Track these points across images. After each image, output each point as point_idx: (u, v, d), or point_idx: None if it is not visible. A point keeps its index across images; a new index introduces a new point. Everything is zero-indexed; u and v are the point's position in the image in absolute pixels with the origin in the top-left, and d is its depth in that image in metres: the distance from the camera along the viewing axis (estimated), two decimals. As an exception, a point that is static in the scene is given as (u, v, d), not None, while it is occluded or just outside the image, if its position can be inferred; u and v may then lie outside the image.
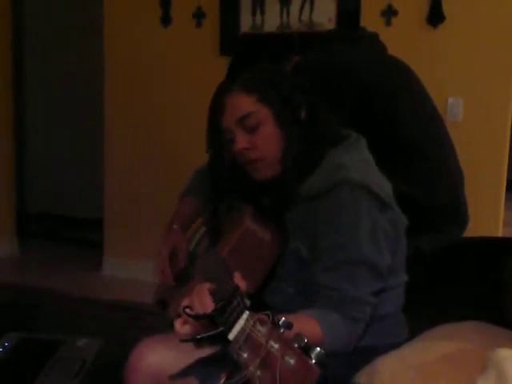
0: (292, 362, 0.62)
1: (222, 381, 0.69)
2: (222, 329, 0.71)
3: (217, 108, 1.22)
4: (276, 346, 0.64)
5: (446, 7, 2.53)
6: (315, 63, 1.54)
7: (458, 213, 1.57)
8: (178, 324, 0.90)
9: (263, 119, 1.16)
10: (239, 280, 0.89)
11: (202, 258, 1.31)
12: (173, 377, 1.12)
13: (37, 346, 2.12)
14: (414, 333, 1.24)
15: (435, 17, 2.54)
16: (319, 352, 0.64)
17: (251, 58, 1.55)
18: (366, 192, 1.09)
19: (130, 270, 3.18)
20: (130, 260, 3.24)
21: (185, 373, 1.11)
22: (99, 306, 2.74)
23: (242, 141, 1.17)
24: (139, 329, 2.37)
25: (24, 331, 2.23)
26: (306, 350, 0.64)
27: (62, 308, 2.69)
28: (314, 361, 0.63)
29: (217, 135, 1.24)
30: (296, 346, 0.64)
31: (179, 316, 1.15)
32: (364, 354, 1.11)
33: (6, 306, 2.70)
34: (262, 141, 1.16)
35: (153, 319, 2.20)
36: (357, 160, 1.17)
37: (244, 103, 1.16)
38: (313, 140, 1.17)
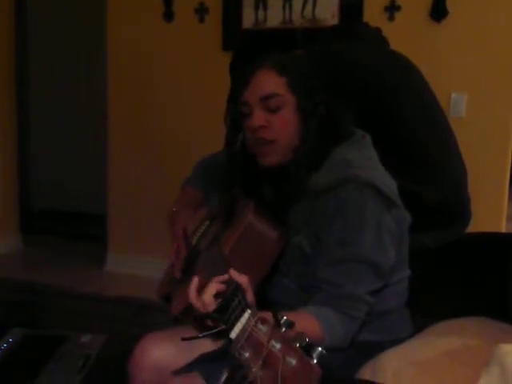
0: (294, 362, 0.62)
1: (224, 378, 0.69)
2: (223, 327, 0.71)
3: (242, 79, 1.19)
4: (278, 345, 0.64)
5: (450, 2, 2.52)
6: (315, 59, 1.53)
7: (461, 210, 1.57)
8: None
9: (286, 104, 1.15)
10: (240, 277, 0.89)
11: (204, 254, 1.31)
12: (176, 372, 1.12)
13: (41, 342, 2.13)
14: (417, 328, 1.24)
15: (438, 11, 2.53)
16: (320, 352, 0.63)
17: (252, 53, 1.55)
18: (371, 190, 1.09)
19: (133, 265, 3.19)
20: (133, 256, 3.24)
21: (188, 368, 1.11)
22: (103, 301, 2.75)
23: (259, 118, 1.16)
24: (143, 324, 2.38)
25: (28, 327, 2.24)
26: (308, 349, 0.63)
27: (65, 304, 2.70)
28: (315, 361, 0.63)
29: (236, 106, 1.22)
30: (297, 345, 0.63)
31: (181, 312, 1.16)
32: (367, 349, 1.11)
33: (11, 302, 2.71)
34: (279, 123, 1.15)
35: (156, 315, 2.21)
36: (362, 157, 1.17)
37: (273, 82, 1.15)
38: (327, 136, 1.17)
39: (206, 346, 1.10)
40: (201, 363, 1.10)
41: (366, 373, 1.06)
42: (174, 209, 1.42)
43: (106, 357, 2.04)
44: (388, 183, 1.15)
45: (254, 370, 0.64)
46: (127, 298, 2.77)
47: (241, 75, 1.21)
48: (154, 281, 1.51)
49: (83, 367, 1.95)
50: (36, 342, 2.13)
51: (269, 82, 1.16)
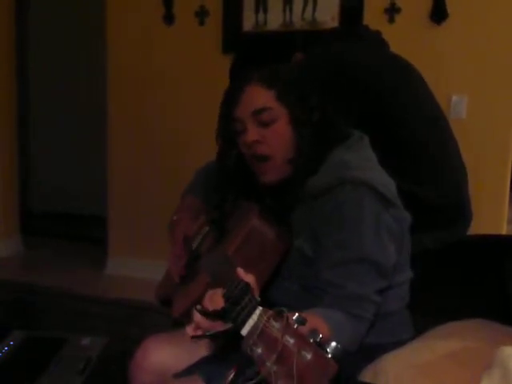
0: (309, 356, 0.62)
1: (231, 376, 0.69)
2: (232, 325, 0.71)
3: (232, 96, 1.20)
4: (292, 340, 0.63)
5: (450, 4, 2.52)
6: (316, 62, 1.53)
7: (461, 211, 1.57)
8: (189, 329, 0.89)
9: (278, 116, 1.15)
10: (247, 276, 0.89)
11: (207, 257, 1.31)
12: (177, 375, 1.13)
13: (42, 344, 2.13)
14: (418, 331, 1.24)
15: (439, 14, 2.54)
16: (335, 347, 0.63)
17: (253, 56, 1.55)
18: (368, 190, 1.09)
19: (133, 268, 3.19)
20: (133, 258, 3.24)
21: (189, 371, 1.11)
22: (103, 303, 2.75)
23: (253, 133, 1.16)
24: (143, 327, 2.38)
25: (28, 329, 2.24)
26: (322, 345, 0.63)
27: (66, 306, 2.70)
28: (330, 355, 0.62)
29: (228, 124, 1.22)
30: (311, 341, 0.63)
31: (183, 314, 1.16)
32: (369, 352, 1.11)
33: (11, 304, 2.71)
34: (273, 137, 1.15)
35: (156, 317, 2.20)
36: (360, 158, 1.17)
37: (262, 97, 1.15)
38: (322, 141, 1.17)
39: (207, 349, 1.10)
40: (202, 366, 1.11)
41: (367, 375, 1.06)
42: (175, 218, 1.42)
43: (107, 359, 2.04)
44: (386, 183, 1.14)
45: (267, 364, 0.63)
46: (127, 300, 2.76)
47: (232, 90, 1.21)
48: (154, 283, 1.51)
49: (84, 369, 1.95)
50: (37, 345, 2.13)
51: (258, 96, 1.16)
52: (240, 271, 0.89)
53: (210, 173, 1.46)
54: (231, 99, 1.19)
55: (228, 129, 1.22)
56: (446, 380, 1.01)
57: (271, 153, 1.16)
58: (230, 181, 1.27)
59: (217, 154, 1.30)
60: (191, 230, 1.38)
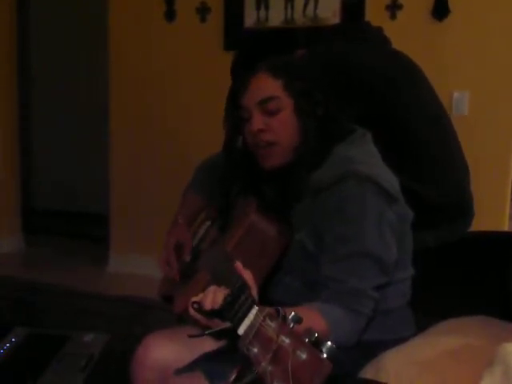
0: (304, 356, 0.62)
1: (233, 378, 0.69)
2: (230, 324, 0.71)
3: (239, 85, 1.21)
4: (287, 340, 0.64)
5: (451, 0, 2.51)
6: (320, 60, 1.53)
7: (463, 209, 1.57)
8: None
9: (284, 106, 1.16)
10: (245, 272, 0.89)
11: (207, 253, 1.31)
12: (179, 371, 1.13)
13: (43, 342, 2.14)
14: (419, 327, 1.24)
15: (440, 10, 2.53)
16: (330, 346, 0.63)
17: (254, 54, 1.54)
18: (372, 185, 1.09)
19: (135, 265, 3.19)
20: (135, 255, 3.24)
21: (191, 368, 1.11)
22: (105, 301, 2.75)
23: (258, 121, 1.17)
24: (145, 324, 2.38)
25: (30, 326, 2.25)
26: (317, 344, 0.63)
27: (68, 303, 2.70)
28: (325, 355, 0.62)
29: (235, 112, 1.23)
30: (307, 340, 0.63)
31: (185, 311, 1.16)
32: (370, 349, 1.11)
33: (13, 302, 2.71)
34: (278, 126, 1.16)
35: (159, 314, 2.21)
36: (363, 153, 1.17)
37: (269, 86, 1.17)
38: (327, 135, 1.18)
39: (209, 345, 1.10)
40: (203, 362, 1.11)
41: (368, 372, 1.06)
42: (180, 220, 1.43)
43: (109, 356, 2.04)
44: (389, 179, 1.15)
45: (263, 364, 0.63)
46: (129, 298, 2.77)
47: (239, 80, 1.22)
48: (156, 280, 1.51)
49: (86, 366, 1.95)
50: (39, 342, 2.13)
51: (265, 85, 1.17)
52: (238, 265, 0.89)
53: (213, 166, 1.47)
54: (239, 87, 1.21)
55: (234, 116, 1.23)
56: (446, 377, 1.01)
57: (275, 140, 1.17)
58: (236, 168, 1.28)
59: (223, 142, 1.31)
60: (185, 236, 1.38)
